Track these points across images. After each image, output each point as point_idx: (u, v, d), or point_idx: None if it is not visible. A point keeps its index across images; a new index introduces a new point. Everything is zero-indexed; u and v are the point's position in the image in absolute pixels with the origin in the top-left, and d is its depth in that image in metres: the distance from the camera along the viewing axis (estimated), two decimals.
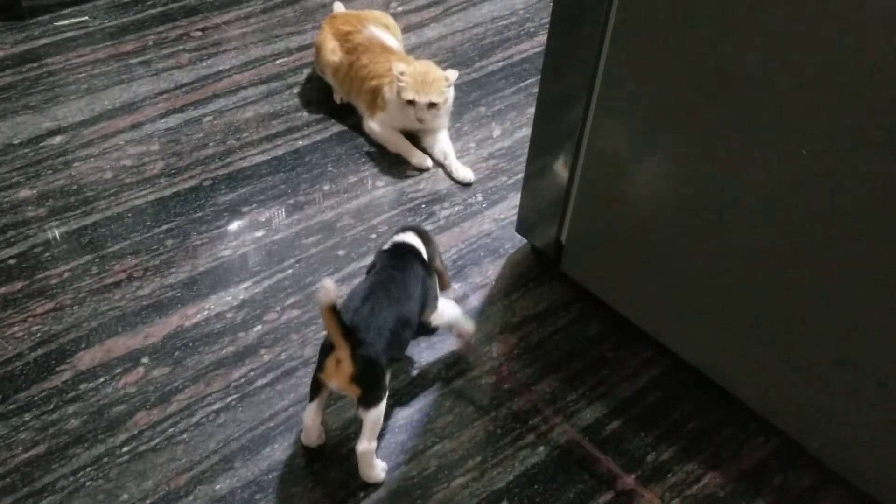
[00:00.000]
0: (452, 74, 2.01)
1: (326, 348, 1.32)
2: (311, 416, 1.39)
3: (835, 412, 1.37)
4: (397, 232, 1.57)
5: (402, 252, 1.50)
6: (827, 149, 1.16)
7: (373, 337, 1.32)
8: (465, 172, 2.01)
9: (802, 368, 1.37)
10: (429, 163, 2.05)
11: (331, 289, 1.25)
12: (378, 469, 1.40)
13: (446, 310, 1.57)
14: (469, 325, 1.65)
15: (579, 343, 1.66)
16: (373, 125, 2.09)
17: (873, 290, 1.21)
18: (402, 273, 1.45)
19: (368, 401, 1.33)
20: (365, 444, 1.36)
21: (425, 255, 1.53)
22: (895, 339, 1.21)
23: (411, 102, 1.96)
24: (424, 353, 1.62)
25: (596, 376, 1.60)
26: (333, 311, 1.27)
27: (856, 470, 1.40)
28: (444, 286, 1.59)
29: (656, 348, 1.63)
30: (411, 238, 1.54)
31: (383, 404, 1.35)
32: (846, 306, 1.25)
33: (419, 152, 2.06)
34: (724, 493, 1.44)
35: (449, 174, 2.03)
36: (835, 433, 1.40)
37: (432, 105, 1.98)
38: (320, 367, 1.33)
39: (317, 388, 1.37)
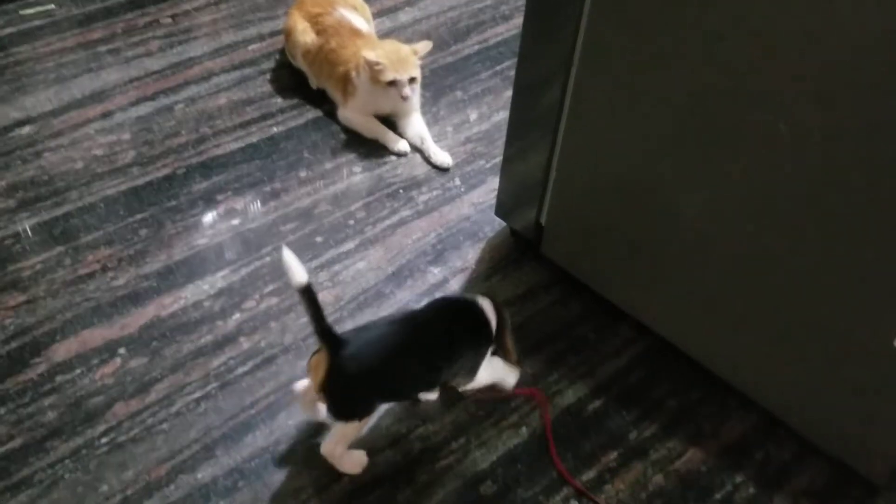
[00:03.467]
0: (424, 46, 2.01)
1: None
2: (298, 387, 1.37)
3: (812, 386, 1.38)
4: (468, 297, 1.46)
5: (470, 312, 1.40)
6: (808, 125, 1.17)
7: (359, 359, 1.24)
8: (443, 157, 2.00)
9: (780, 343, 1.38)
10: (407, 147, 2.04)
11: (292, 262, 1.19)
12: (353, 463, 1.37)
13: (483, 379, 1.45)
14: (513, 381, 1.50)
15: (560, 324, 1.66)
16: (347, 114, 2.07)
17: (848, 261, 1.22)
18: (452, 331, 1.36)
19: (334, 413, 1.29)
20: (328, 447, 1.33)
21: (492, 326, 1.41)
22: (869, 309, 1.22)
23: (393, 83, 1.95)
24: None
25: (577, 357, 1.61)
26: (308, 296, 1.21)
27: (834, 442, 1.42)
28: (510, 362, 1.49)
29: (637, 328, 1.64)
30: (486, 305, 1.42)
31: (354, 424, 1.30)
32: (820, 278, 1.26)
33: (397, 137, 2.05)
34: (706, 467, 1.45)
35: (427, 159, 2.02)
36: (813, 407, 1.41)
37: (412, 80, 1.97)
38: (312, 354, 1.29)
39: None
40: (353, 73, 2.01)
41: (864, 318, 1.24)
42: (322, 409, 1.35)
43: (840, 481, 1.43)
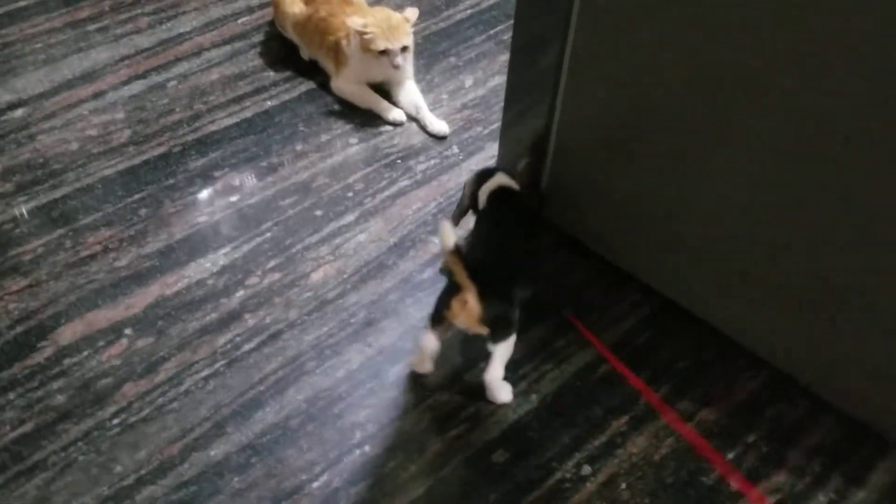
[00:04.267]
0: (413, 13, 1.97)
1: (451, 289, 1.37)
2: (429, 344, 1.42)
3: (822, 342, 1.38)
4: (482, 175, 1.64)
5: (506, 196, 1.58)
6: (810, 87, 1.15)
7: (500, 279, 1.40)
8: (439, 125, 1.98)
9: (790, 300, 1.38)
10: (403, 116, 2.01)
11: (449, 232, 1.34)
12: (505, 391, 1.45)
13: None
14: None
15: (566, 289, 1.66)
16: (340, 84, 2.04)
17: (855, 216, 1.21)
18: (517, 216, 1.56)
19: (497, 338, 1.39)
20: (493, 373, 1.42)
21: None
22: (875, 263, 1.22)
23: (384, 52, 1.92)
24: (411, 307, 1.61)
25: (584, 321, 1.60)
26: (458, 254, 1.33)
27: (846, 398, 1.42)
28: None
29: (642, 290, 1.63)
30: (505, 180, 1.61)
31: (513, 338, 1.41)
32: (826, 233, 1.25)
33: (392, 106, 2.02)
34: (717, 428, 1.45)
35: (423, 128, 2.00)
36: (824, 363, 1.41)
37: (404, 48, 1.94)
38: (447, 305, 1.37)
39: (439, 321, 1.40)
40: (344, 42, 1.98)
41: (875, 270, 1.23)
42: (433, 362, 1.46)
43: (852, 438, 1.43)
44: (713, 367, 1.54)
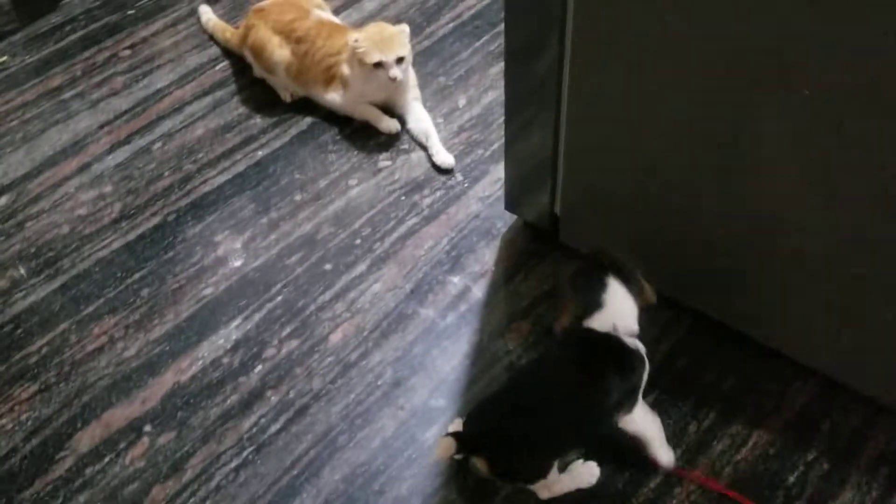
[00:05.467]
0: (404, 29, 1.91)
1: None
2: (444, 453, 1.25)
3: (872, 342, 1.30)
4: (584, 273, 1.27)
5: (597, 342, 1.22)
6: (832, 86, 1.06)
7: (509, 449, 1.22)
8: (445, 157, 1.89)
9: (833, 302, 1.30)
10: (397, 126, 1.95)
11: (448, 448, 1.19)
12: (576, 479, 1.33)
13: (639, 418, 1.29)
14: (665, 456, 1.34)
15: None
16: (333, 96, 1.96)
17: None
18: (589, 375, 1.22)
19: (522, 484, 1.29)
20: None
21: (626, 334, 1.23)
22: None
23: (379, 65, 1.84)
24: (438, 359, 1.53)
25: None
26: (457, 438, 1.21)
27: None
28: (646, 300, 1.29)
29: (674, 308, 1.55)
30: (611, 296, 1.22)
31: (545, 479, 1.25)
32: (859, 231, 1.17)
33: (386, 117, 1.96)
34: (774, 449, 1.38)
35: (429, 157, 1.91)
36: (875, 363, 1.34)
37: (400, 60, 1.86)
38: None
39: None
40: (344, 66, 1.91)
41: None
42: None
43: None
44: (760, 384, 1.46)
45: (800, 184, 1.20)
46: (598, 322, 1.21)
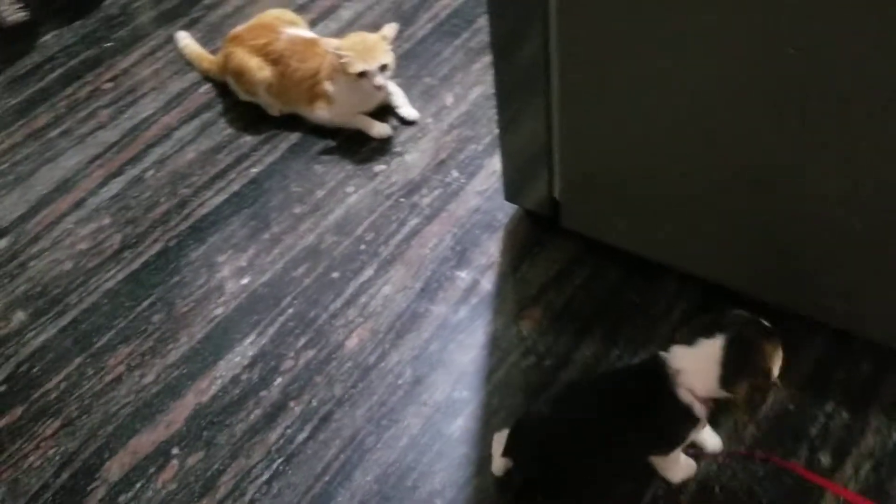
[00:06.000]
0: (391, 30, 1.92)
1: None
2: (498, 447, 1.33)
3: (876, 288, 1.33)
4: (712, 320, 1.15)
5: (651, 374, 1.17)
6: (817, 45, 1.09)
7: (535, 456, 1.27)
8: (410, 110, 2.01)
9: (835, 253, 1.32)
10: (389, 130, 1.98)
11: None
12: (679, 470, 1.31)
13: (669, 466, 1.29)
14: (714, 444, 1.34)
15: (603, 295, 1.60)
16: (320, 113, 1.98)
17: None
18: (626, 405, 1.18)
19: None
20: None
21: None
22: None
23: (363, 74, 1.85)
24: (455, 354, 1.55)
25: (630, 324, 1.55)
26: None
27: None
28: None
29: (680, 279, 1.58)
30: (705, 346, 1.12)
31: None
32: (850, 187, 1.20)
33: (377, 122, 1.99)
34: (793, 405, 1.40)
35: (396, 108, 2.01)
36: (881, 310, 1.37)
37: (383, 67, 1.87)
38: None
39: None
40: (326, 82, 1.92)
41: None
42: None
43: None
44: None
45: (795, 144, 1.22)
46: (674, 358, 1.15)
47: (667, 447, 1.22)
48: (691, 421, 1.15)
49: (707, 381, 1.12)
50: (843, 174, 1.21)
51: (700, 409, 1.14)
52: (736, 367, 1.10)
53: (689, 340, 1.14)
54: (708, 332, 1.12)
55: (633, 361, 1.46)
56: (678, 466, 1.30)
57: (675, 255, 1.55)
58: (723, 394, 1.12)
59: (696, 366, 1.12)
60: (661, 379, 1.14)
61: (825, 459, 1.33)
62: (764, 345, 1.12)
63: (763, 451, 1.34)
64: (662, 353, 1.16)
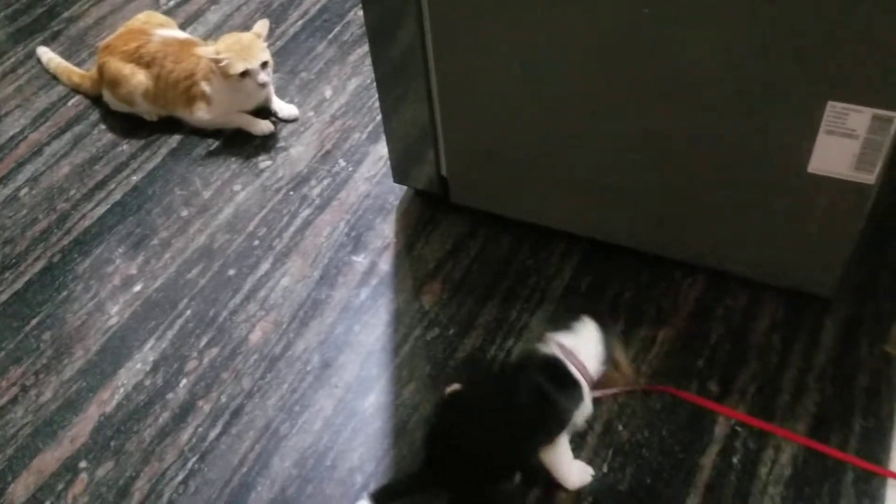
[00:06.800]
0: (262, 26, 1.92)
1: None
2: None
3: (742, 229, 1.45)
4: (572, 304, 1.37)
5: (544, 363, 1.24)
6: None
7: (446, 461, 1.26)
8: (290, 109, 2.01)
9: (700, 199, 1.43)
10: (271, 127, 1.99)
11: None
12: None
13: (557, 456, 1.29)
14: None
15: (498, 262, 1.67)
16: (200, 115, 1.96)
17: (749, 102, 1.27)
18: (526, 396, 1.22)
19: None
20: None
21: (578, 362, 1.24)
22: (782, 140, 1.29)
23: (245, 73, 1.85)
24: (361, 335, 1.57)
25: (526, 286, 1.62)
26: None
27: (779, 274, 1.51)
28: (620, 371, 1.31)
29: (568, 239, 1.66)
30: (582, 328, 1.26)
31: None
32: (724, 122, 1.31)
33: (259, 119, 1.99)
34: (680, 342, 1.51)
35: (275, 114, 2.02)
36: (749, 248, 1.49)
37: (264, 64, 1.88)
38: None
39: None
40: (203, 83, 1.90)
41: (777, 149, 1.30)
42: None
43: (798, 305, 1.52)
44: (655, 288, 1.59)
45: (646, 97, 1.32)
46: (559, 343, 1.25)
47: (556, 429, 1.25)
48: (579, 396, 1.24)
49: (593, 360, 1.26)
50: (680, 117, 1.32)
51: (586, 387, 1.25)
52: (613, 351, 1.30)
53: (560, 328, 1.27)
54: (573, 319, 1.28)
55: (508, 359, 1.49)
56: (574, 469, 1.32)
57: (560, 219, 1.63)
58: (603, 370, 1.28)
59: (583, 347, 1.26)
60: (549, 364, 1.23)
61: (714, 387, 1.44)
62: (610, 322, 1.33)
63: (658, 385, 1.44)
64: (540, 344, 1.26)
